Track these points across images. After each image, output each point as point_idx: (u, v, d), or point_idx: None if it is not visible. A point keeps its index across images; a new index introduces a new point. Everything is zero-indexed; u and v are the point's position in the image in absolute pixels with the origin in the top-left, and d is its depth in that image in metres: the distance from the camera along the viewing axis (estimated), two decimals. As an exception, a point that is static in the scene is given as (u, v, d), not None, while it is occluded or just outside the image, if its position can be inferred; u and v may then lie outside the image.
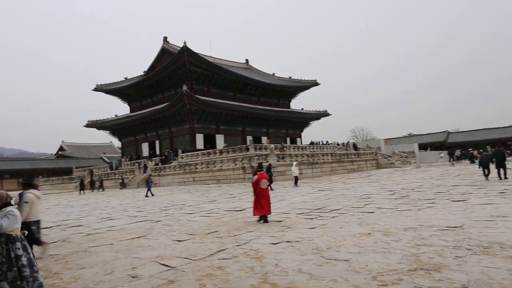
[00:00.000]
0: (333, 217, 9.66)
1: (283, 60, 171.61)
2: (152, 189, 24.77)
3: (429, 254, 5.42)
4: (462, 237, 6.35)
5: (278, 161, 28.74)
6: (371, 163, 42.70)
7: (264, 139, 50.41)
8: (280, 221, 9.63)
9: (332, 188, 19.19)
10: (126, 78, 58.02)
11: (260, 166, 11.01)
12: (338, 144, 46.51)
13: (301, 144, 55.70)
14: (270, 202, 9.95)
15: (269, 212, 9.75)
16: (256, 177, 10.03)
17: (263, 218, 9.60)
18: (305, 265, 5.28)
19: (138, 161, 45.20)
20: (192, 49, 43.69)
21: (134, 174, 40.64)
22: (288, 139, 58.47)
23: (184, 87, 41.95)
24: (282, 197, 16.24)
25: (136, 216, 13.15)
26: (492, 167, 17.64)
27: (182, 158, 38.81)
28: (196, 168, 34.40)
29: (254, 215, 9.76)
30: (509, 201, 10.18)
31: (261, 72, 64.33)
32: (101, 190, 37.43)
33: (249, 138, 45.31)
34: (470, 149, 44.59)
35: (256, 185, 9.84)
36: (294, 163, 24.23)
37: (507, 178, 16.90)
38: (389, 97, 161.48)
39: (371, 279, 4.51)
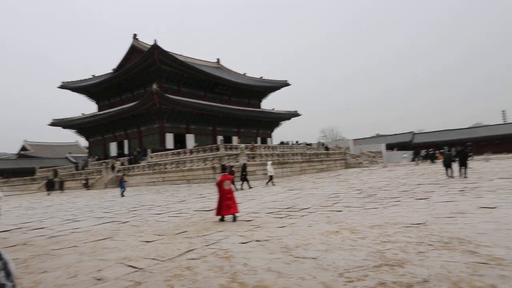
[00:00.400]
0: (302, 216, 9.78)
1: (255, 60, 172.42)
2: (120, 189, 24.21)
3: (393, 250, 5.58)
4: (424, 233, 6.59)
5: (248, 160, 28.77)
6: (340, 162, 43.50)
7: (235, 139, 50.38)
8: (250, 220, 9.66)
9: (301, 187, 19.42)
10: (93, 76, 56.45)
11: (223, 167, 11.11)
12: (308, 144, 47.08)
13: (272, 144, 56.03)
14: (235, 201, 10.14)
15: (236, 211, 9.96)
16: (219, 178, 10.27)
17: (225, 217, 9.83)
18: (274, 264, 5.31)
19: (105, 161, 44.08)
20: (163, 48, 43.07)
21: (101, 175, 39.59)
22: (258, 139, 58.68)
23: (154, 86, 41.29)
24: (252, 196, 16.28)
25: (102, 217, 12.82)
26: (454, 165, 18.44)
27: (152, 157, 38.18)
28: (166, 168, 33.93)
29: (217, 215, 9.90)
30: (468, 199, 10.65)
31: (232, 71, 64.24)
32: (60, 191, 36.01)
33: (219, 137, 45.12)
34: (431, 150, 46.25)
35: (219, 186, 10.07)
36: (269, 162, 24.41)
37: (466, 177, 17.69)
38: (361, 99, 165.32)
39: (338, 275, 4.60)
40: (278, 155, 33.15)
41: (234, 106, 55.62)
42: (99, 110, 56.09)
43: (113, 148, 52.32)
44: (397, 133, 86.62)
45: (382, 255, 5.35)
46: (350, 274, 4.62)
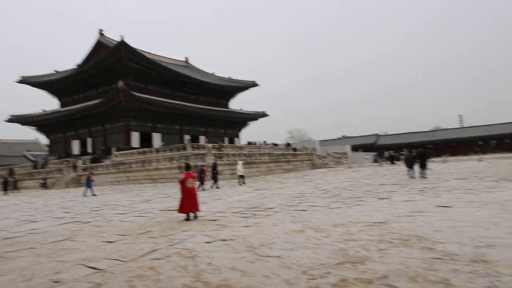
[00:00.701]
0: (268, 215, 9.84)
1: (227, 60, 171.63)
2: (83, 189, 23.43)
3: (355, 248, 5.72)
4: (385, 231, 6.80)
5: (215, 160, 28.64)
6: (307, 163, 44.14)
7: (202, 139, 50.01)
8: (216, 220, 9.61)
9: (268, 187, 19.54)
10: (56, 71, 54.34)
11: (187, 166, 11.05)
12: (275, 145, 47.45)
13: (239, 144, 56.05)
14: (197, 200, 10.20)
15: (197, 210, 10.05)
16: (182, 176, 10.25)
17: (190, 216, 9.85)
18: (239, 263, 5.32)
19: (67, 159, 42.53)
20: (130, 44, 42.09)
21: (62, 174, 38.17)
22: (226, 138, 58.55)
23: (120, 83, 40.29)
24: (218, 196, 16.22)
25: (62, 217, 12.36)
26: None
27: (116, 156, 37.23)
28: (131, 167, 33.20)
29: (179, 213, 9.94)
30: (426, 198, 11.09)
31: (201, 71, 63.75)
32: (17, 191, 34.33)
33: (186, 137, 44.71)
34: (392, 151, 47.81)
35: (182, 184, 10.06)
36: (240, 162, 24.51)
37: (426, 178, 18.42)
38: (328, 101, 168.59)
39: (301, 273, 4.66)
40: (245, 155, 33.21)
41: (202, 105, 55.21)
42: (62, 106, 54.06)
43: (75, 146, 50.56)
44: (362, 135, 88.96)
45: (345, 253, 5.47)
46: (313, 271, 4.69)
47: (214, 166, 22.70)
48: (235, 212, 10.80)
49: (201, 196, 15.82)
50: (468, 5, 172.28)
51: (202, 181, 20.87)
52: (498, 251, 5.04)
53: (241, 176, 23.07)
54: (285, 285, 4.26)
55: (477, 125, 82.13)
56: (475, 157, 43.54)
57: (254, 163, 32.98)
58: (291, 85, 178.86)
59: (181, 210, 9.91)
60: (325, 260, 5.17)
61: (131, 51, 42.67)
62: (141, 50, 46.53)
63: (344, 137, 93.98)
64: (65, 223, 10.96)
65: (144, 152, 35.75)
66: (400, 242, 5.89)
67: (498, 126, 75.90)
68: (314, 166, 44.77)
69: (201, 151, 31.25)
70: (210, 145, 31.92)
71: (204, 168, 21.99)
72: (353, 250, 5.58)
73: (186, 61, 64.84)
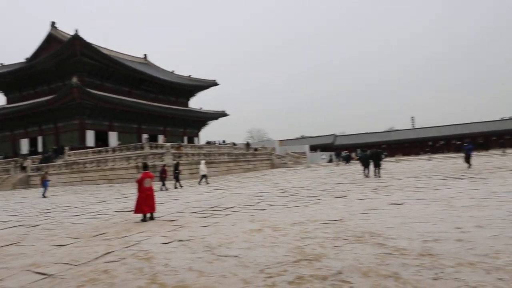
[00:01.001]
0: (227, 215, 9.82)
1: (189, 59, 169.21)
2: (33, 190, 22.25)
3: (312, 245, 5.84)
4: (341, 229, 6.99)
5: (174, 160, 28.20)
6: (266, 163, 44.50)
7: (161, 138, 49.05)
8: (173, 220, 9.46)
9: (227, 187, 19.51)
10: (2, 64, 51.19)
11: (145, 165, 10.80)
12: (234, 144, 47.45)
13: (199, 143, 55.52)
14: (155, 201, 10.01)
15: (154, 210, 9.87)
16: (139, 176, 10.03)
17: (146, 217, 9.67)
18: (196, 263, 5.26)
19: (14, 159, 40.19)
20: (85, 39, 40.46)
21: (9, 174, 36.04)
22: (185, 138, 57.77)
23: (74, 79, 38.65)
24: (176, 196, 15.99)
25: (8, 221, 11.67)
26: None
27: (70, 156, 35.68)
28: (85, 167, 31.98)
29: (135, 213, 9.73)
30: (380, 196, 11.53)
31: (160, 68, 62.46)
32: None
33: (144, 136, 43.67)
34: (346, 151, 49.26)
35: (139, 184, 9.83)
36: (203, 161, 24.36)
37: (380, 177, 19.15)
38: (290, 103, 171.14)
39: (258, 272, 4.69)
40: (204, 154, 32.98)
41: (161, 104, 54.15)
42: (8, 102, 51.00)
43: (24, 145, 47.91)
44: (321, 135, 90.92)
45: (302, 251, 5.56)
46: (271, 270, 4.74)
47: (176, 166, 22.56)
48: (193, 212, 10.69)
49: (159, 196, 15.51)
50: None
51: (163, 181, 20.53)
52: (443, 245, 5.33)
53: (204, 176, 22.97)
54: (242, 284, 4.27)
55: (427, 126, 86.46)
56: (425, 156, 45.80)
57: (214, 162, 32.81)
58: (253, 87, 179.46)
59: (137, 210, 9.67)
60: (282, 258, 5.24)
61: (86, 46, 41.06)
62: (97, 46, 44.86)
63: (303, 137, 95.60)
64: (11, 226, 10.36)
65: (100, 152, 34.53)
66: (354, 239, 6.07)
67: (446, 128, 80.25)
68: (273, 166, 45.22)
69: (160, 151, 30.65)
70: (168, 144, 31.37)
71: (165, 168, 21.65)
72: (310, 248, 5.69)
73: (145, 58, 63.32)
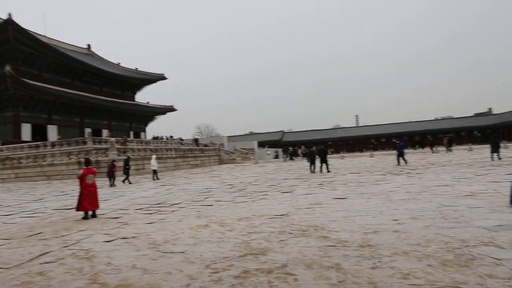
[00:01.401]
0: (173, 211, 9.67)
1: (139, 53, 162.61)
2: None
3: (258, 240, 5.92)
4: (286, 223, 7.14)
5: (119, 155, 27.23)
6: (214, 158, 44.30)
7: (105, 132, 47.03)
8: (117, 217, 9.15)
9: (174, 183, 19.20)
10: None
11: (87, 161, 10.27)
12: (182, 140, 46.70)
13: (146, 138, 53.98)
14: (97, 197, 9.65)
15: (96, 207, 9.52)
16: (81, 171, 9.63)
17: (88, 214, 9.27)
18: (140, 261, 5.13)
19: None
20: (20, 24, 37.62)
21: None
22: (131, 133, 55.95)
23: (7, 68, 35.81)
24: (122, 192, 15.46)
25: None
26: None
27: (2, 151, 33.13)
28: (21, 163, 29.94)
29: (77, 211, 9.31)
30: (325, 191, 11.93)
31: (105, 60, 59.69)
32: None
33: (87, 130, 41.66)
34: (290, 148, 50.40)
35: (81, 180, 9.42)
36: (154, 156, 24.01)
37: (329, 171, 19.82)
38: (239, 100, 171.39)
39: (204, 267, 4.67)
40: (151, 150, 32.17)
41: (106, 97, 51.85)
42: None
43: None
44: (269, 131, 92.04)
45: (248, 245, 5.61)
46: (217, 265, 4.74)
47: (127, 161, 22.09)
48: (138, 209, 10.41)
49: (102, 193, 14.90)
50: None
51: (113, 176, 19.91)
52: (381, 236, 5.63)
53: (155, 171, 22.65)
54: (188, 280, 4.23)
55: (370, 124, 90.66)
56: (368, 153, 47.98)
57: (161, 158, 32.07)
58: (203, 83, 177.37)
59: (79, 208, 9.23)
60: (228, 253, 5.25)
61: (21, 32, 38.19)
62: (34, 33, 41.93)
63: (252, 133, 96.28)
64: None
65: (37, 146, 32.35)
66: (299, 233, 6.23)
67: (386, 126, 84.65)
68: (221, 162, 45.12)
69: (104, 146, 29.38)
70: (113, 139, 30.17)
71: (115, 163, 20.90)
72: (256, 242, 5.76)
73: (88, 49, 60.24)
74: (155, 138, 46.04)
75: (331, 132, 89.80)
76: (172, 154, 34.73)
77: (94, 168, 10.30)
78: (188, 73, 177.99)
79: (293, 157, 44.13)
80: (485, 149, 35.65)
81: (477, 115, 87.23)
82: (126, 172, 21.37)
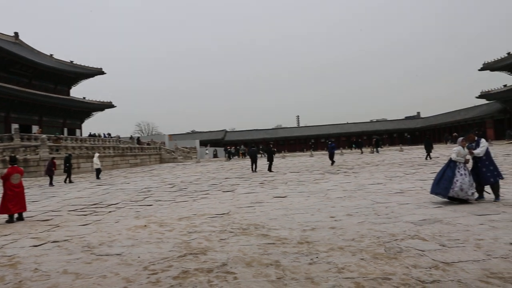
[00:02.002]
0: (110, 212, 9.28)
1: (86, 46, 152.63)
2: None
3: (198, 239, 5.86)
4: (227, 222, 7.15)
5: (51, 153, 25.56)
6: (155, 157, 43.16)
7: (36, 129, 43.85)
8: (48, 220, 8.58)
9: (112, 182, 18.41)
10: None
11: (13, 159, 9.48)
12: (120, 138, 44.89)
13: (81, 136, 51.15)
14: (24, 198, 8.99)
15: (24, 209, 8.85)
16: (5, 171, 8.93)
17: (14, 217, 8.62)
18: (72, 265, 4.85)
19: None
20: None
21: None
22: (66, 129, 52.66)
23: None
24: (54, 193, 14.52)
25: None
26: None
27: None
28: None
29: (0, 214, 8.60)
30: (265, 190, 12.11)
31: (36, 51, 55.50)
32: None
33: (14, 126, 38.53)
34: (229, 147, 50.59)
35: (5, 180, 8.72)
36: (96, 154, 23.07)
37: (271, 171, 20.12)
38: (181, 99, 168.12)
39: (142, 269, 4.53)
40: (87, 148, 30.57)
41: (37, 90, 48.33)
42: None
43: None
44: (211, 130, 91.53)
45: (188, 245, 5.54)
46: (155, 266, 4.62)
47: (67, 159, 20.90)
48: (72, 210, 9.85)
49: (31, 193, 13.95)
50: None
51: (51, 175, 18.78)
52: (319, 233, 5.84)
53: (98, 170, 21.82)
54: (124, 283, 4.08)
55: (311, 125, 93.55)
56: (308, 153, 49.45)
57: (98, 157, 30.60)
58: (143, 79, 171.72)
59: (2, 210, 8.49)
60: (167, 254, 5.15)
61: None
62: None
63: (194, 132, 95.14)
64: None
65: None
66: (240, 231, 6.27)
67: (326, 127, 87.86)
68: (162, 161, 44.08)
69: (33, 143, 27.40)
70: (44, 136, 28.22)
71: (54, 161, 19.62)
72: (196, 242, 5.70)
73: (16, 37, 55.62)
74: (92, 135, 43.79)
75: (273, 132, 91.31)
76: (110, 153, 33.28)
77: (21, 167, 9.57)
78: (129, 71, 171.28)
79: (231, 157, 44.25)
80: (414, 149, 38.35)
81: (407, 118, 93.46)
82: (67, 170, 20.32)
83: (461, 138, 8.09)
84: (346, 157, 32.30)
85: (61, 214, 9.35)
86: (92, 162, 23.58)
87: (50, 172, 18.76)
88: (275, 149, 46.00)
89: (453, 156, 7.82)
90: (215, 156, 51.68)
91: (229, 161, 38.56)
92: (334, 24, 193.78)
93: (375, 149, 37.93)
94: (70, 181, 19.77)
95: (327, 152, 26.55)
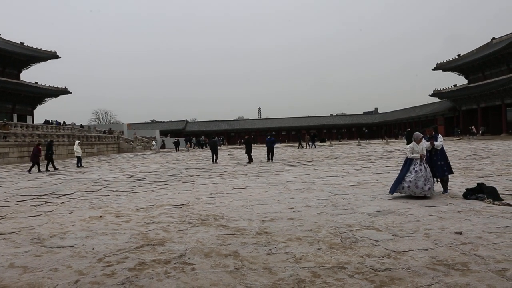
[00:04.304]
0: (63, 202, 8.90)
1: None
2: None
3: (156, 230, 5.75)
4: (186, 213, 7.07)
5: (51, 139, 24.19)
6: (113, 146, 41.88)
7: (-19, 114, 41.16)
8: (-7, 210, 8.10)
9: (66, 172, 17.68)
10: None
11: None
12: (82, 127, 43.16)
13: (33, 122, 48.55)
14: None
15: None
16: None
17: None
18: (20, 259, 4.60)
19: None
20: None
21: None
22: (15, 115, 49.75)
23: None
24: (1, 183, 13.72)
25: None
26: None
27: None
28: None
29: None
30: (226, 181, 12.09)
31: (-20, 30, 51.90)
32: None
33: (-44, 111, 35.99)
34: (176, 138, 49.97)
35: None
36: (77, 142, 22.60)
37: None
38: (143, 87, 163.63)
39: (96, 261, 4.38)
40: (39, 135, 29.11)
41: (-18, 73, 45.28)
42: None
43: None
44: (172, 120, 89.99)
45: (145, 236, 5.43)
46: (110, 258, 4.49)
47: (49, 146, 19.92)
48: (21, 201, 9.34)
49: (-26, 183, 13.13)
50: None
51: (38, 162, 18.19)
52: (278, 224, 5.91)
53: (79, 158, 21.21)
54: (77, 276, 3.92)
55: (272, 117, 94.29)
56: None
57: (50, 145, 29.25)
58: (102, 64, 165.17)
59: None
60: (123, 245, 5.01)
61: None
62: None
63: (154, 122, 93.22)
64: None
65: None
66: (199, 222, 6.22)
67: (287, 120, 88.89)
68: (120, 150, 42.84)
69: (-22, 129, 25.73)
70: (-10, 122, 26.59)
71: (40, 147, 18.70)
72: (154, 233, 5.60)
73: (-41, 16, 51.72)
74: (47, 122, 41.70)
75: (234, 123, 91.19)
76: (64, 141, 31.88)
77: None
78: (88, 55, 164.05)
79: (177, 147, 43.87)
80: (372, 144, 39.69)
81: (366, 113, 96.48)
82: (49, 158, 19.47)
83: (421, 135, 8.09)
84: (306, 149, 32.90)
85: (9, 205, 8.84)
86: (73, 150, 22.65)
87: (35, 158, 18.30)
88: (240, 141, 45.82)
89: (408, 154, 7.94)
90: (163, 147, 49.77)
91: (190, 152, 38.13)
92: (293, 10, 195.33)
93: (311, 144, 38.59)
94: (55, 168, 19.08)
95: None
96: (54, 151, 20.76)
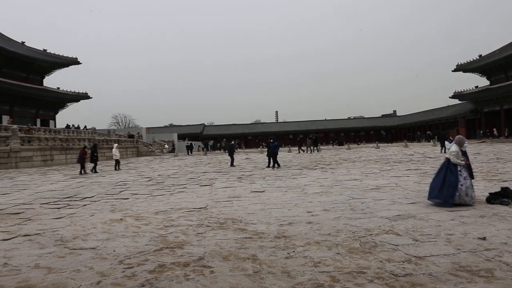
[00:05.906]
0: (85, 205, 9.08)
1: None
2: None
3: (175, 233, 5.82)
4: (205, 216, 7.12)
5: (22, 144, 24.81)
6: (132, 150, 42.51)
7: (6, 119, 42.36)
8: (19, 213, 8.32)
9: (86, 175, 18.03)
10: None
11: None
12: (132, 135, 44.11)
13: (55, 127, 49.75)
14: None
15: None
16: None
17: None
18: (44, 259, 4.73)
19: None
20: None
21: None
22: (38, 120, 51.08)
23: None
24: (25, 185, 14.08)
25: None
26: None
27: None
28: None
29: None
30: (243, 185, 12.12)
31: (6, 37, 53.53)
32: None
33: (-17, 116, 37.18)
34: (189, 141, 50.29)
35: None
36: (115, 145, 23.40)
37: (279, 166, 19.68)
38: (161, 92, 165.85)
39: (117, 263, 4.46)
40: (61, 139, 29.80)
41: (7, 79, 46.65)
42: None
43: None
44: (190, 124, 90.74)
45: (164, 239, 5.49)
46: (131, 260, 4.56)
47: (94, 148, 21.13)
48: (45, 203, 9.58)
49: (1, 186, 13.54)
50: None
51: (83, 163, 19.07)
52: (296, 228, 5.89)
53: (117, 161, 21.86)
54: (99, 277, 4.01)
55: (289, 121, 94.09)
56: (286, 148, 49.73)
57: (72, 149, 29.90)
58: (125, 73, 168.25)
59: None
60: (143, 247, 5.09)
61: None
62: None
63: (172, 126, 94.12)
64: None
65: None
66: (217, 226, 6.26)
67: (304, 123, 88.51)
68: (139, 154, 43.44)
69: (3, 134, 26.48)
70: (15, 126, 27.32)
71: (86, 150, 20.06)
72: (173, 236, 5.66)
73: (-15, 24, 53.55)
74: (68, 126, 42.66)
75: (251, 126, 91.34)
76: (85, 145, 32.51)
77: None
78: (108, 62, 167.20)
79: (190, 151, 44.48)
80: (390, 147, 39.13)
81: (384, 116, 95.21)
82: (94, 160, 20.39)
83: (465, 139, 7.44)
84: (324, 153, 32.71)
85: (34, 207, 9.09)
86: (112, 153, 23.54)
87: (82, 160, 19.31)
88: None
89: (454, 160, 7.23)
90: (173, 150, 49.95)
91: (208, 155, 38.37)
92: (317, 17, 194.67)
93: (314, 148, 37.80)
94: (95, 171, 19.58)
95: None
96: (98, 153, 21.69)
